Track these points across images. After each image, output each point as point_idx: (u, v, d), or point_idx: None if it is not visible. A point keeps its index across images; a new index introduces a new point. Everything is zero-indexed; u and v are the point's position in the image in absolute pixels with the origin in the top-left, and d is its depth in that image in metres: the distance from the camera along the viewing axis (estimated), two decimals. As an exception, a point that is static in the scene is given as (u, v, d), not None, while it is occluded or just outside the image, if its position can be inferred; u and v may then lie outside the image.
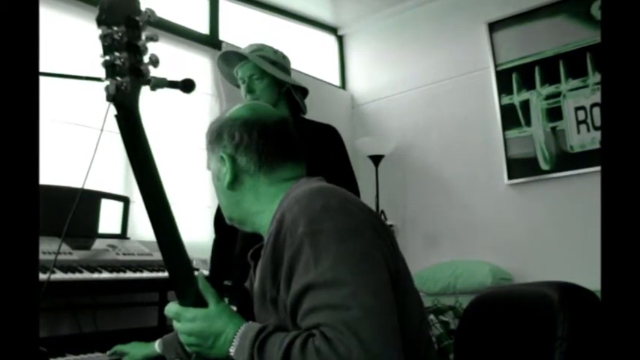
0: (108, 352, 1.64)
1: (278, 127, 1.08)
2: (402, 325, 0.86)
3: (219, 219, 2.01)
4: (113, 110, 0.90)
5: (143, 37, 0.90)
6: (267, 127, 1.06)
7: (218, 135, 1.07)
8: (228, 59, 1.93)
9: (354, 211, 0.93)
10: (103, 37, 0.87)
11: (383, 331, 0.80)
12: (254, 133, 1.04)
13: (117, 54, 0.87)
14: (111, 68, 0.87)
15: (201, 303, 0.92)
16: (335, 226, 0.88)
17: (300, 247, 0.87)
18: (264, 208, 1.04)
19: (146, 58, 0.90)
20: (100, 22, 0.87)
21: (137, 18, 0.88)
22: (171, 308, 0.94)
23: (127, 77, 0.87)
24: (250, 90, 1.85)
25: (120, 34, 0.86)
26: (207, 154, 1.12)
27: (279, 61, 1.92)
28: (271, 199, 1.04)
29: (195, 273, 0.96)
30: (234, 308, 0.96)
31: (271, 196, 1.04)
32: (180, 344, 1.26)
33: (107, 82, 0.87)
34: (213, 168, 1.10)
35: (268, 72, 1.86)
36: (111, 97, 0.87)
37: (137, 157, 0.90)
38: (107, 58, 0.87)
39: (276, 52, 1.94)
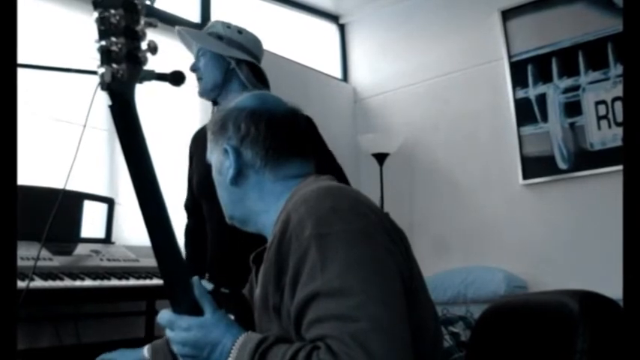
0: None
1: (287, 120, 1.07)
2: (414, 337, 0.85)
3: (191, 202, 1.91)
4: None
5: (142, 22, 0.89)
6: (276, 119, 1.06)
7: (222, 125, 1.07)
8: (186, 43, 1.87)
9: (366, 214, 0.92)
10: (99, 21, 0.86)
11: (393, 345, 0.79)
12: (261, 125, 1.04)
13: (113, 39, 0.86)
14: (106, 54, 0.86)
15: (196, 311, 0.92)
16: (344, 229, 0.88)
17: (307, 252, 0.87)
18: (269, 207, 1.04)
19: (144, 45, 0.90)
20: (96, 4, 0.86)
21: (136, 1, 0.88)
22: (164, 316, 0.93)
23: (123, 64, 0.86)
24: (194, 67, 1.80)
25: (117, 17, 0.86)
26: (208, 146, 1.11)
27: (228, 35, 1.81)
28: (277, 197, 1.04)
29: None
30: (232, 317, 0.96)
31: (277, 194, 1.04)
32: (171, 352, 1.26)
33: (102, 70, 0.86)
34: (214, 161, 1.10)
35: (200, 44, 1.77)
36: (106, 86, 0.86)
37: (132, 151, 0.90)
38: (103, 43, 0.86)
39: (229, 26, 1.84)
